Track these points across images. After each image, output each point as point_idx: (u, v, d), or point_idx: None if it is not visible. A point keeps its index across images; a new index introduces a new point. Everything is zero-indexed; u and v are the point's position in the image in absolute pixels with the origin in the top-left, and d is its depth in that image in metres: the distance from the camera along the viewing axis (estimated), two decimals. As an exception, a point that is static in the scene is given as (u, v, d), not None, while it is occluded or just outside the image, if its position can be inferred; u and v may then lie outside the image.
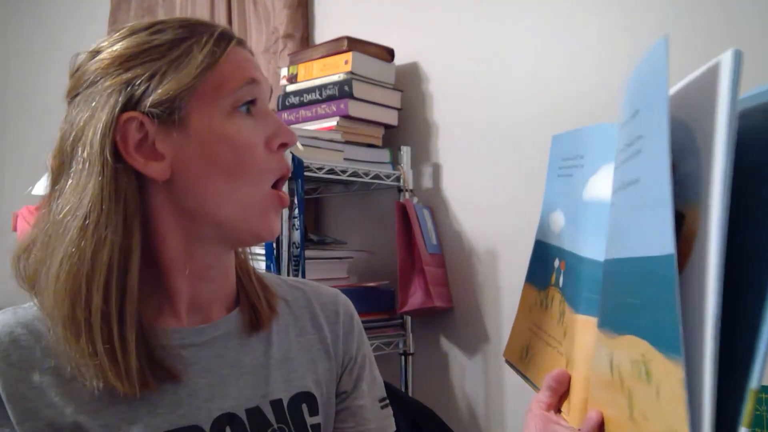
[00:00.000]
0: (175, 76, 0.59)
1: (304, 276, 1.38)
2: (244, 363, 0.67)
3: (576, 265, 0.69)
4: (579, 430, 0.64)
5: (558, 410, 0.68)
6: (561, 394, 0.67)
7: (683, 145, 0.49)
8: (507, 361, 0.86)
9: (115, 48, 0.61)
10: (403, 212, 1.56)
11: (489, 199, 1.55)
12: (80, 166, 0.59)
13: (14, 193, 3.20)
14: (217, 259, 0.66)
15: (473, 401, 1.57)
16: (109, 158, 0.58)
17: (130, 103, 0.59)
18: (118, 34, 0.63)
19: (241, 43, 0.65)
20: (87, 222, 0.57)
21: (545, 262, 0.79)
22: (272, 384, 0.68)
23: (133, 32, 0.62)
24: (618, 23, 1.35)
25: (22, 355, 0.58)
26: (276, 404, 0.67)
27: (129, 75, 0.59)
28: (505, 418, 1.51)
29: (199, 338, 0.65)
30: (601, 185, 0.68)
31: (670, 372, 0.44)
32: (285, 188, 1.39)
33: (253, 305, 0.70)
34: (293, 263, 1.38)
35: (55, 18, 3.11)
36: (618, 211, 0.58)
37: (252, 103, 0.64)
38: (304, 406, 0.69)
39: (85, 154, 0.59)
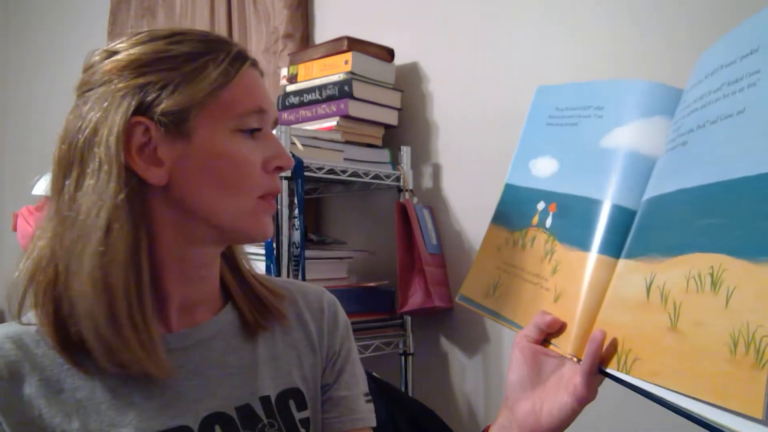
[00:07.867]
0: (188, 90, 0.62)
1: (304, 276, 1.38)
2: (232, 363, 0.69)
3: (584, 208, 0.74)
4: (573, 356, 0.67)
5: (545, 343, 0.72)
6: (547, 334, 0.71)
7: None
8: (463, 298, 0.88)
9: (132, 51, 0.63)
10: (403, 212, 1.56)
11: (489, 199, 1.54)
12: (97, 166, 0.61)
13: (14, 193, 3.20)
14: (210, 259, 0.69)
15: (473, 401, 1.57)
16: (123, 160, 0.60)
17: (140, 108, 0.61)
18: (136, 38, 0.64)
19: (254, 64, 0.68)
20: (112, 222, 0.60)
21: (521, 205, 0.86)
22: (260, 381, 0.70)
23: (152, 39, 0.64)
24: (621, 23, 1.35)
25: (11, 369, 0.60)
26: (264, 401, 0.69)
27: (142, 80, 0.61)
28: (505, 418, 1.51)
29: (184, 342, 0.67)
30: (634, 136, 0.72)
31: (759, 274, 0.49)
32: (285, 189, 1.39)
33: (240, 308, 0.72)
34: (293, 263, 1.38)
35: (55, 18, 3.11)
36: (699, 143, 0.62)
37: (257, 129, 0.67)
38: (292, 402, 0.71)
39: (102, 155, 0.60)
